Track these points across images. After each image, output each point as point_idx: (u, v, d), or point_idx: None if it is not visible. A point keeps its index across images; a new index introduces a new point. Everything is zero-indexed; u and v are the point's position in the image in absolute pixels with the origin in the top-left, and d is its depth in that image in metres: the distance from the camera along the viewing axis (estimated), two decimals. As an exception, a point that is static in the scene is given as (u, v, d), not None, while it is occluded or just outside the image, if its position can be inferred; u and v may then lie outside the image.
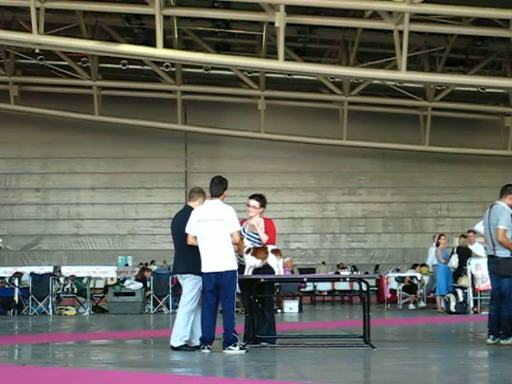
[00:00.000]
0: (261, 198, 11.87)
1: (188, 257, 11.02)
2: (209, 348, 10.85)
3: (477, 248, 20.34)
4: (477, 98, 34.30)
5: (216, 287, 10.80)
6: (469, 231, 20.85)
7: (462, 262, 20.96)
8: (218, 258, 10.78)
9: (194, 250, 10.93)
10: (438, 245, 22.30)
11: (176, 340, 11.16)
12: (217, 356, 10.53)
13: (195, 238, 10.95)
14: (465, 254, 21.04)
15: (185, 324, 11.16)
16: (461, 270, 21.07)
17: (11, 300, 22.13)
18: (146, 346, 13.34)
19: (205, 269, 10.84)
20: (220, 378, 8.84)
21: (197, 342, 11.13)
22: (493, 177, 35.06)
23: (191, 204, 11.39)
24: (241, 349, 10.76)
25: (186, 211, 11.31)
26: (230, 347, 10.70)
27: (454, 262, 21.19)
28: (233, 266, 10.86)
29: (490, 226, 11.79)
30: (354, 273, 27.35)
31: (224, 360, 10.23)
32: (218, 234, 10.81)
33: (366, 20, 26.71)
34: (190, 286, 11.12)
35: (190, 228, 10.99)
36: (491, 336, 11.72)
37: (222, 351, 10.73)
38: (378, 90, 34.17)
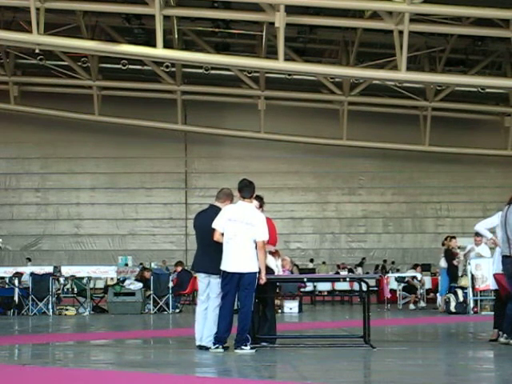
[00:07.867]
0: (260, 199, 11.88)
1: (217, 257, 11.02)
2: (223, 347, 10.91)
3: (483, 249, 20.32)
4: (477, 98, 34.32)
5: (237, 288, 10.93)
6: (475, 235, 20.67)
7: (448, 264, 21.63)
8: (242, 259, 10.91)
9: (220, 250, 11.00)
10: (443, 245, 22.42)
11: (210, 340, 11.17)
12: (217, 356, 10.53)
13: (222, 234, 11.03)
14: (448, 255, 21.66)
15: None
16: (454, 272, 21.41)
17: (11, 300, 22.06)
18: (146, 346, 13.33)
19: (229, 269, 10.93)
20: (220, 378, 8.83)
21: (205, 343, 11.13)
22: (493, 177, 35.12)
23: (218, 205, 11.37)
24: (251, 348, 10.84)
25: (214, 211, 11.27)
26: (242, 347, 10.80)
27: (443, 263, 21.84)
28: (255, 267, 10.98)
29: (508, 226, 11.47)
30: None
31: (224, 360, 10.23)
32: (245, 236, 10.93)
33: (366, 20, 26.74)
34: (218, 287, 11.18)
35: (219, 224, 11.03)
36: (504, 335, 11.52)
37: (234, 350, 10.79)
38: (378, 90, 34.18)
